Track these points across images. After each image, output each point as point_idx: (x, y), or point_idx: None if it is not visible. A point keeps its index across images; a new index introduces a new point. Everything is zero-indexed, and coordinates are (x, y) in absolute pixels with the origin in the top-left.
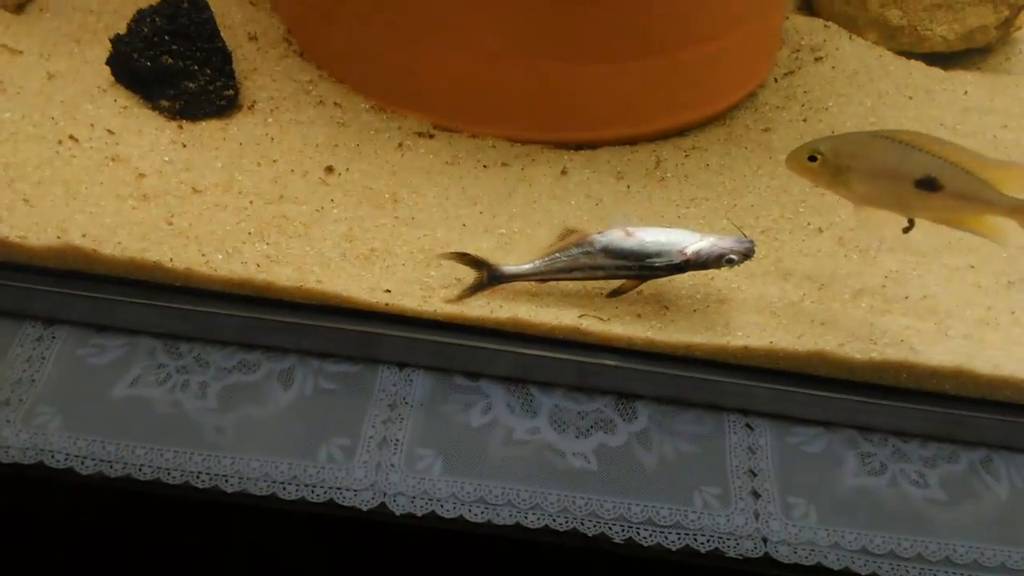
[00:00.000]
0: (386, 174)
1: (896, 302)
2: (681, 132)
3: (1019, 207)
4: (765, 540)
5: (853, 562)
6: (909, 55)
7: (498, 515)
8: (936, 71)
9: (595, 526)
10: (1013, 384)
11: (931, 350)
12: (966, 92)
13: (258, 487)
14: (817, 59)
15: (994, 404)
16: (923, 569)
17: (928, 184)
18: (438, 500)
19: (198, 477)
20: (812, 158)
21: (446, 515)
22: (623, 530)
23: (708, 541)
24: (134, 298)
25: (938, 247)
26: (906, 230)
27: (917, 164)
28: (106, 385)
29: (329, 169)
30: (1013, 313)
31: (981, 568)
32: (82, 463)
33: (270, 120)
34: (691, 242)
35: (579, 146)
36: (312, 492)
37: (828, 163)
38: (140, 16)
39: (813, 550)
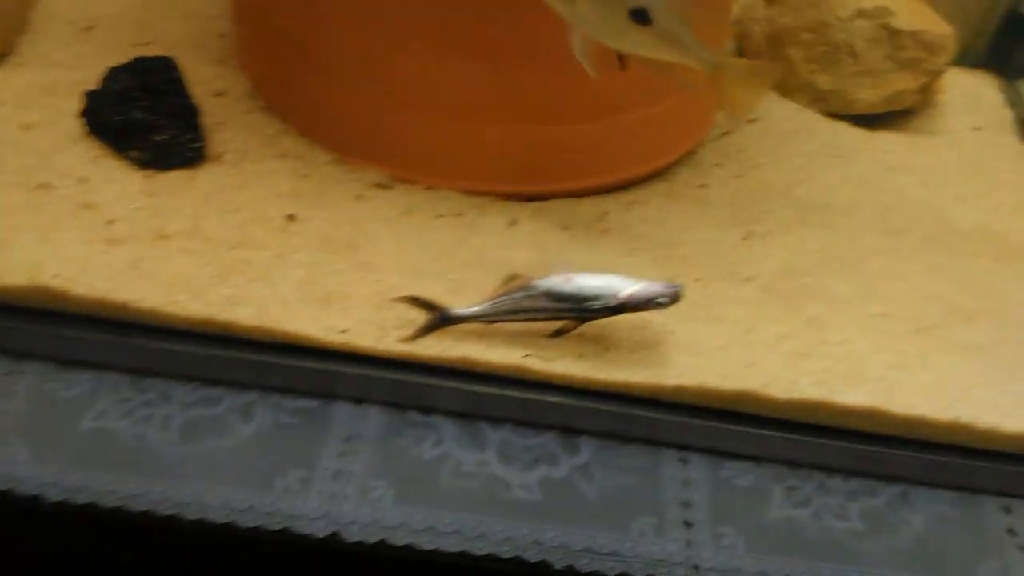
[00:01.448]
0: (345, 222)
1: (816, 346)
2: (624, 187)
3: (719, 64)
4: (696, 567)
5: None
6: (837, 117)
7: (446, 543)
8: (861, 132)
9: (537, 553)
10: (926, 423)
11: (849, 391)
12: (888, 152)
13: (217, 515)
14: (751, 121)
15: (910, 442)
16: None
17: (640, 15)
18: (389, 528)
19: (160, 504)
20: None
21: (396, 543)
22: (564, 557)
23: (643, 568)
24: (102, 335)
25: (853, 296)
26: (621, 63)
27: None
28: (73, 418)
29: (290, 217)
30: (922, 358)
31: None
32: (49, 490)
33: (235, 171)
34: (625, 287)
35: (529, 198)
36: (269, 520)
37: None
38: (112, 73)
39: None
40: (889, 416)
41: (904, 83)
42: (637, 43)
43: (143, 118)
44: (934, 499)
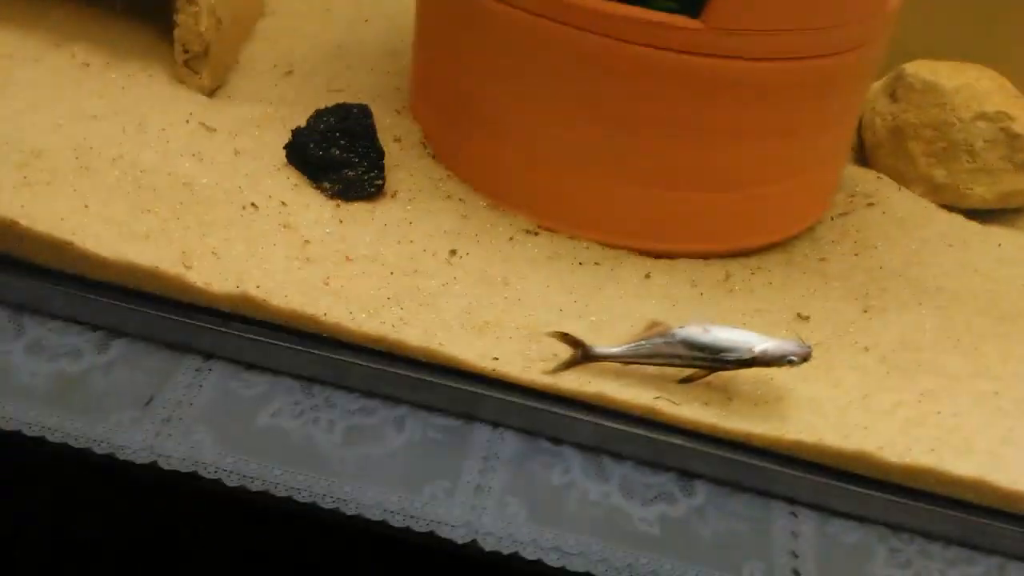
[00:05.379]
0: (499, 261)
1: (929, 416)
2: (747, 253)
3: None
4: None
5: None
6: (951, 209)
7: (572, 563)
8: (974, 224)
9: None
10: None
11: (957, 461)
12: (999, 245)
13: (372, 513)
14: (869, 204)
15: (1012, 517)
16: None
17: None
18: (521, 543)
19: (323, 498)
20: None
21: (528, 557)
22: None
23: None
24: (281, 343)
25: (967, 372)
26: None
27: None
28: (251, 414)
29: (453, 252)
30: None
31: None
32: (228, 476)
33: (408, 207)
34: (759, 342)
35: (660, 255)
36: (416, 523)
37: None
38: (319, 114)
39: None
40: (994, 489)
41: (1018, 183)
42: None
43: (339, 155)
44: None
